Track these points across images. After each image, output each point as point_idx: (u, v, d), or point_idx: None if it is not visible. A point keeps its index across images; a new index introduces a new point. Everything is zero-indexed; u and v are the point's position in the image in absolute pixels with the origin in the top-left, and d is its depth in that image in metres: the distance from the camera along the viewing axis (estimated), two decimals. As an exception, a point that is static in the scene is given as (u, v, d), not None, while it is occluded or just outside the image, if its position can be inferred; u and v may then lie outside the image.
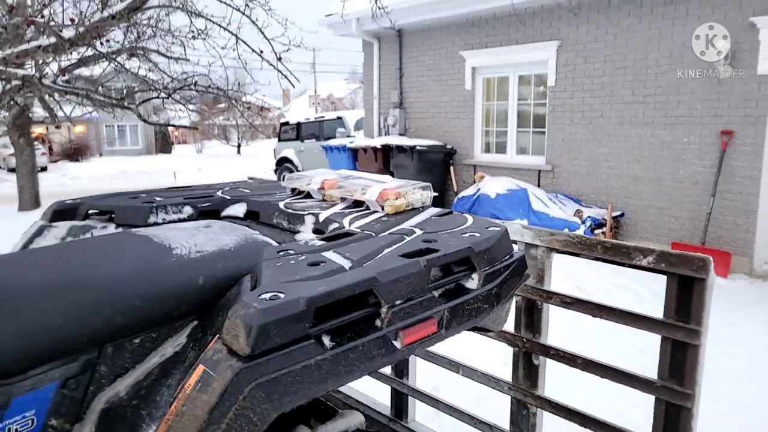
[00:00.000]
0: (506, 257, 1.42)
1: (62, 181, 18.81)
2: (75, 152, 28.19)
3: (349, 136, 11.66)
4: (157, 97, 6.10)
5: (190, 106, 6.07)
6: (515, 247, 1.62)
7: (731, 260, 6.09)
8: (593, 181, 7.43)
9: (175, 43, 6.41)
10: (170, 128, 36.65)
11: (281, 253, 1.27)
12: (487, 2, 7.67)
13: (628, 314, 1.56)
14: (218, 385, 0.89)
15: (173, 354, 1.22)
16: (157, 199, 1.89)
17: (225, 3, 4.51)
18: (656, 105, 6.71)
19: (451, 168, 8.95)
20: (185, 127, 8.91)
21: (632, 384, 1.56)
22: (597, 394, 3.34)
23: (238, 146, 35.49)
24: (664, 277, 1.61)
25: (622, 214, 7.13)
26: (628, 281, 5.68)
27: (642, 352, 3.63)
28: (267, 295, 1.00)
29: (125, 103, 5.60)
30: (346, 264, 1.19)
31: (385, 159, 8.99)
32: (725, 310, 5.04)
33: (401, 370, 2.28)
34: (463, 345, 4.08)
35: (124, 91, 6.95)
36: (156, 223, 1.79)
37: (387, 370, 2.37)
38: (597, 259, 1.60)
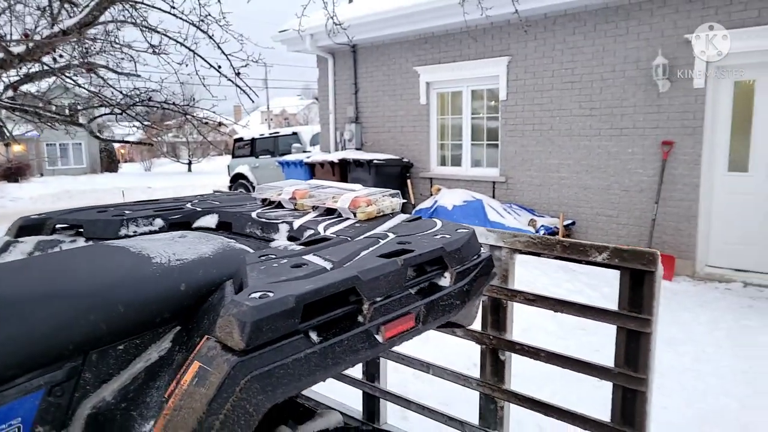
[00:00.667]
0: (475, 257, 1.52)
1: (1, 203, 17.97)
2: (14, 172, 26.94)
3: (305, 152, 11.69)
4: (111, 113, 5.97)
5: (144, 123, 5.97)
6: (482, 249, 1.71)
7: (675, 264, 6.44)
8: (545, 191, 7.71)
9: (125, 58, 6.31)
10: (116, 146, 35.56)
11: (263, 258, 1.32)
12: (440, 19, 7.91)
13: (587, 308, 1.68)
14: (215, 379, 0.94)
15: (158, 358, 1.24)
16: (127, 212, 1.90)
17: (181, 18, 4.50)
18: (602, 117, 7.06)
19: (409, 181, 9.10)
20: (138, 143, 8.71)
21: (591, 372, 1.68)
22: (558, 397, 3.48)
23: (189, 163, 34.70)
24: (615, 282, 1.74)
25: (573, 223, 7.43)
26: (582, 287, 5.92)
27: (597, 353, 3.80)
28: (257, 294, 1.05)
29: (77, 119, 5.47)
30: (328, 265, 1.26)
31: (342, 173, 9.05)
32: (672, 312, 5.32)
33: (372, 374, 2.33)
34: (434, 350, 4.16)
35: (74, 106, 6.77)
36: (127, 236, 1.79)
37: (359, 374, 2.42)
38: (557, 257, 1.71)
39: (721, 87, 6.34)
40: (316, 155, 9.77)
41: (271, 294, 1.05)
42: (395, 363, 2.33)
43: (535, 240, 1.76)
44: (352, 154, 8.99)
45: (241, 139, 14.60)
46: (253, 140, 14.05)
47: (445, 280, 1.41)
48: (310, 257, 1.31)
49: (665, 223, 6.64)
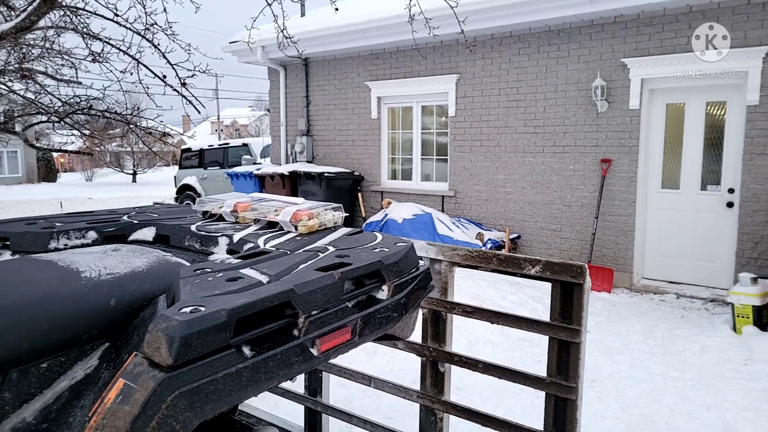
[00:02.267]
0: (413, 270, 1.54)
1: (-74, 214, 16.85)
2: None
3: (255, 163, 11.55)
4: (48, 121, 5.75)
5: (85, 131, 5.76)
6: (421, 262, 1.74)
7: (614, 276, 6.70)
8: (492, 205, 7.90)
9: (65, 65, 6.09)
10: (55, 155, 34.03)
11: (198, 271, 1.31)
12: (390, 36, 8.03)
13: (521, 319, 1.74)
14: (140, 396, 0.92)
15: (84, 377, 1.20)
16: (58, 224, 1.84)
17: (125, 26, 4.40)
18: (545, 135, 7.31)
19: (359, 194, 9.13)
20: (77, 152, 8.40)
21: (526, 382, 1.73)
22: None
23: (134, 174, 33.55)
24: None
25: (519, 236, 7.63)
26: (527, 299, 6.07)
27: (540, 363, 3.90)
28: (188, 309, 1.03)
29: (12, 127, 5.23)
30: (264, 279, 1.25)
31: (292, 186, 9.00)
32: (610, 322, 5.53)
33: (314, 388, 2.32)
34: (382, 363, 4.17)
35: (9, 113, 6.47)
36: (57, 249, 1.73)
37: (300, 389, 2.40)
38: (493, 270, 1.76)
39: (654, 109, 6.70)
40: (267, 167, 9.68)
41: (202, 308, 1.03)
42: (341, 378, 2.33)
43: (473, 253, 1.81)
44: (302, 167, 8.96)
45: (188, 150, 14.29)
46: (201, 151, 13.78)
47: (383, 293, 1.43)
48: (246, 271, 1.30)
49: (604, 237, 6.92)
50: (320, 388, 2.28)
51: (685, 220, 6.60)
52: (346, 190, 8.97)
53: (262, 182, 9.39)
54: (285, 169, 9.03)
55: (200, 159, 13.63)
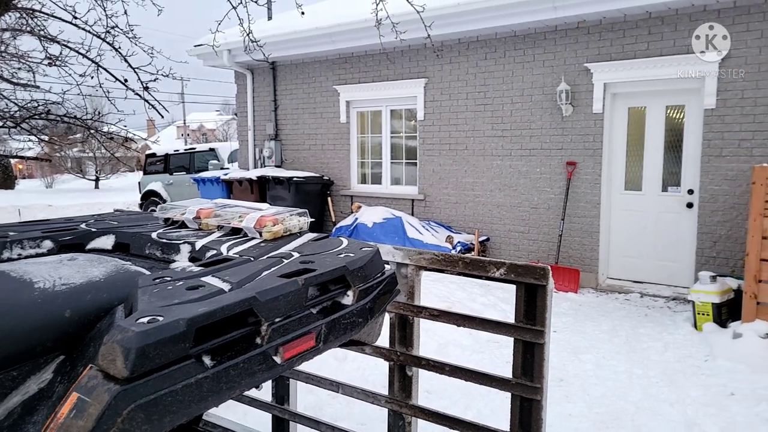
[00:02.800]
0: (378, 275, 1.54)
1: None
2: None
3: (222, 168, 11.40)
4: (3, 126, 5.56)
5: (43, 137, 5.59)
6: (388, 266, 1.74)
7: (580, 277, 6.83)
8: (462, 208, 7.97)
9: (22, 68, 5.91)
10: (13, 161, 32.92)
11: (157, 280, 1.28)
12: (358, 41, 8.04)
13: (486, 321, 1.75)
14: (95, 410, 0.89)
15: (38, 391, 1.16)
16: (11, 233, 1.77)
17: (84, 29, 4.29)
18: (513, 138, 7.42)
19: (329, 199, 9.10)
20: (35, 158, 8.13)
21: (492, 384, 1.74)
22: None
23: (96, 180, 32.63)
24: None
25: (487, 239, 7.71)
26: (496, 300, 6.13)
27: (509, 365, 3.94)
28: (145, 319, 1.01)
29: (-35, 132, 5.03)
30: (226, 287, 1.23)
31: (261, 191, 8.91)
32: (577, 322, 5.63)
33: (282, 396, 2.29)
34: (352, 369, 4.15)
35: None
36: (11, 259, 1.67)
37: (268, 397, 2.37)
38: (459, 273, 1.78)
39: (617, 112, 6.87)
40: (234, 172, 9.56)
41: (160, 318, 1.01)
42: (312, 384, 2.30)
43: (439, 257, 1.82)
44: (271, 172, 8.88)
45: (153, 155, 14.01)
46: (167, 156, 13.53)
47: (348, 299, 1.42)
48: (208, 279, 1.28)
49: (571, 239, 7.05)
50: (287, 395, 2.25)
51: (648, 220, 6.77)
52: (316, 195, 8.93)
53: (229, 187, 9.27)
54: (253, 173, 8.94)
55: (166, 164, 13.38)
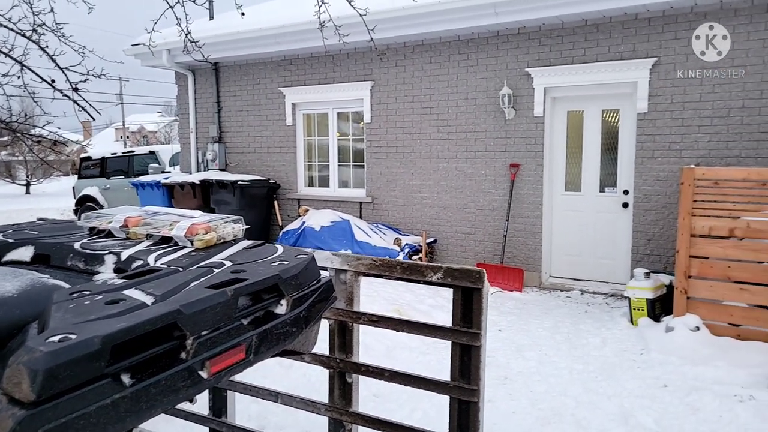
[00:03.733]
0: (314, 282, 1.52)
1: None
2: None
3: (164, 172, 11.04)
4: None
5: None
6: (326, 273, 1.72)
7: (524, 276, 7.00)
8: (409, 210, 8.02)
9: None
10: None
11: (75, 295, 1.21)
12: (302, 42, 7.96)
13: (424, 326, 1.76)
14: (-5, 438, 0.83)
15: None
16: None
17: (7, 27, 4.06)
18: (458, 141, 7.53)
19: (276, 202, 8.96)
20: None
21: (430, 387, 1.75)
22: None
23: (27, 185, 30.86)
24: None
25: (435, 240, 7.79)
26: (443, 302, 6.20)
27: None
28: (56, 338, 0.95)
29: None
30: (149, 300, 1.18)
31: (204, 195, 8.68)
32: (521, 320, 5.77)
33: (219, 408, 2.22)
34: (298, 377, 4.08)
35: None
36: None
37: (204, 410, 2.29)
38: (398, 278, 1.77)
39: (557, 116, 7.09)
40: (176, 176, 9.27)
41: (73, 336, 0.95)
42: (250, 395, 2.25)
43: (377, 262, 1.81)
44: (215, 175, 8.66)
45: (89, 158, 13.43)
46: (103, 159, 13.00)
47: (282, 308, 1.39)
48: (130, 292, 1.22)
49: (515, 239, 7.21)
50: (225, 407, 2.19)
51: (587, 220, 7.02)
52: (262, 199, 8.78)
53: (171, 192, 8.97)
54: (196, 177, 8.69)
55: (102, 168, 12.87)
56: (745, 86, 5.86)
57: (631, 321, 5.46)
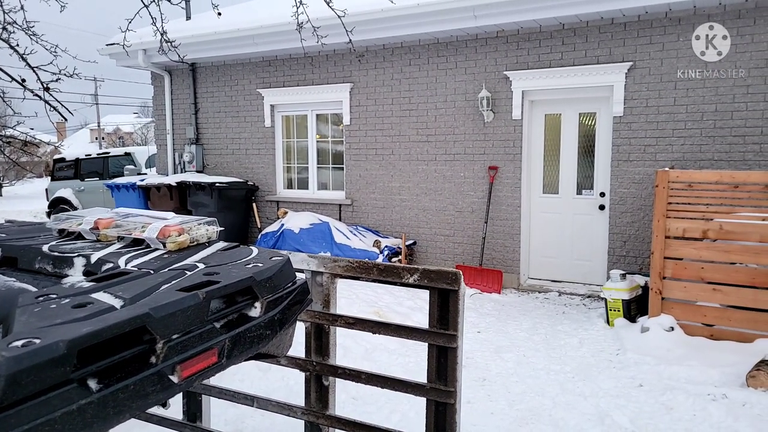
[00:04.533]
0: (289, 284, 1.50)
1: None
2: None
3: (139, 174, 10.87)
4: None
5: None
6: (302, 275, 1.70)
7: (503, 277, 7.04)
8: (389, 213, 8.02)
9: None
10: None
11: (41, 298, 1.18)
12: (281, 44, 7.91)
13: (401, 328, 1.75)
14: (-47, 447, 0.80)
15: None
16: None
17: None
18: (437, 144, 7.55)
19: (254, 205, 8.89)
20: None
21: (407, 390, 1.74)
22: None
23: (-1, 187, 30.15)
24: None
25: (414, 243, 7.80)
26: (422, 303, 6.20)
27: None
28: (19, 342, 0.92)
29: None
30: (118, 303, 1.15)
31: (181, 197, 8.56)
32: (500, 322, 5.80)
33: (194, 413, 2.19)
34: (276, 379, 4.04)
35: None
36: None
37: (179, 415, 2.25)
38: (374, 280, 1.77)
39: (535, 119, 7.16)
40: (152, 178, 9.12)
41: (37, 341, 0.93)
42: (225, 399, 2.21)
43: (354, 264, 1.80)
44: (192, 177, 8.55)
45: (63, 160, 13.18)
46: (77, 161, 12.76)
47: (255, 311, 1.37)
48: (98, 295, 1.19)
49: (494, 241, 7.26)
50: (200, 412, 2.16)
51: (564, 222, 7.09)
52: (240, 201, 8.70)
53: (147, 194, 8.83)
54: (172, 179, 8.57)
55: (76, 169, 12.63)
56: (717, 90, 5.99)
57: (608, 322, 5.53)
